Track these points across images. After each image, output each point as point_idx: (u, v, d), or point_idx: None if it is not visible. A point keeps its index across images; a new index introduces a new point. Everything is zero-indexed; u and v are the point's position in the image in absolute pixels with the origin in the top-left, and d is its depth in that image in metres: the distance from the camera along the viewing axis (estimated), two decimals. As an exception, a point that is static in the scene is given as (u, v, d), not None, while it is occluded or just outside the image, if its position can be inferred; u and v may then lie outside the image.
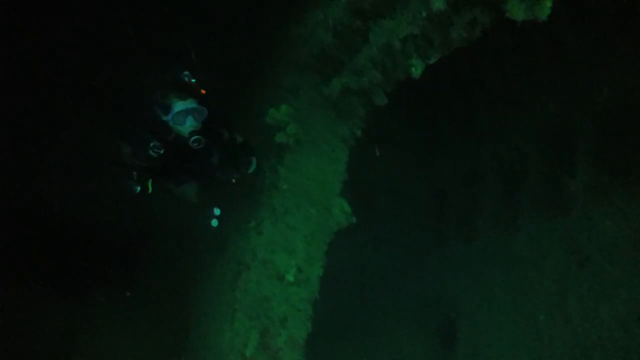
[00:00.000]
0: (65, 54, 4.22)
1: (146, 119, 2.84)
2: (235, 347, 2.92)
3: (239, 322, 2.96)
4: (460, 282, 5.53)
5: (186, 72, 2.94)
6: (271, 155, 3.26)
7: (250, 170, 3.10)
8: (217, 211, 3.05)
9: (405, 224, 6.08)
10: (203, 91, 2.88)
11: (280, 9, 3.45)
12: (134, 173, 2.81)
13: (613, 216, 4.05)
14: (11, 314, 3.96)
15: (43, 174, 4.28)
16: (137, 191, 2.79)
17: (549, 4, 1.60)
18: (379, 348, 5.63)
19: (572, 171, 4.60)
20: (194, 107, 2.74)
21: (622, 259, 3.83)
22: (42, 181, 4.22)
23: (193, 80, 2.91)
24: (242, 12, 4.05)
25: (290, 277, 3.06)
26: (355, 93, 3.04)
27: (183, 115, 2.72)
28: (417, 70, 2.29)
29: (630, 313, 3.64)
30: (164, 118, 2.76)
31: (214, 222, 3.05)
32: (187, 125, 2.76)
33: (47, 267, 4.09)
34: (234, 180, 3.05)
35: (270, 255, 3.08)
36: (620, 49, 3.96)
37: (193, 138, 2.75)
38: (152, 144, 2.73)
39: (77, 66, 4.27)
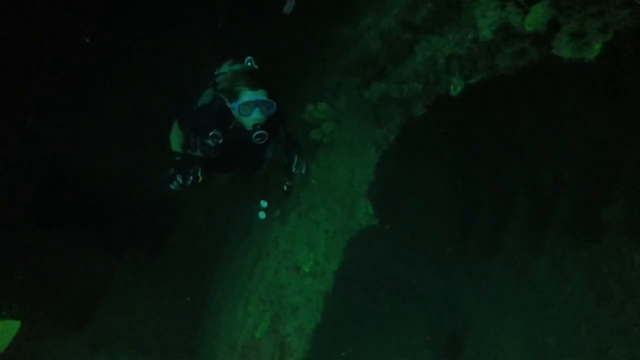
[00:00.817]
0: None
1: (209, 105, 2.64)
2: (246, 327, 3.08)
3: (253, 305, 3.11)
4: (476, 295, 5.52)
5: (249, 57, 2.72)
6: (305, 151, 3.35)
7: (303, 171, 2.90)
8: (264, 203, 2.94)
9: (430, 231, 6.09)
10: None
11: (332, 8, 3.49)
12: (178, 160, 2.67)
13: (642, 254, 3.95)
14: (48, 260, 4.27)
15: (84, 137, 4.51)
16: (190, 182, 2.61)
17: (598, 47, 1.60)
18: (386, 347, 5.72)
19: (608, 201, 4.48)
20: (264, 100, 2.48)
21: (645, 300, 3.74)
22: (82, 145, 4.46)
23: (256, 67, 2.70)
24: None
25: (306, 269, 3.18)
26: (394, 100, 3.07)
27: (250, 107, 2.47)
28: (456, 89, 2.31)
29: (642, 353, 3.59)
30: (229, 105, 2.53)
31: (262, 215, 2.95)
32: (252, 118, 2.52)
33: (86, 226, 4.39)
34: (285, 188, 2.90)
35: (291, 246, 3.20)
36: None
37: (257, 133, 2.52)
38: (211, 133, 2.51)
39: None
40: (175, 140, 2.83)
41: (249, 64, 2.70)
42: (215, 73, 2.84)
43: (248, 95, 2.47)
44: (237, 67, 2.68)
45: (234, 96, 2.50)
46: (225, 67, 2.79)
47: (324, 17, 3.55)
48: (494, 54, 2.05)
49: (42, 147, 4.27)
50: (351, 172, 3.28)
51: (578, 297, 4.30)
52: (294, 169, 2.81)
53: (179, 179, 2.59)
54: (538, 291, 4.78)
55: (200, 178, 2.65)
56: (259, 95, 2.49)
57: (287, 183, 2.90)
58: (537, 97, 4.74)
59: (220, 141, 2.54)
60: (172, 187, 2.63)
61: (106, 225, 4.46)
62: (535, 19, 1.67)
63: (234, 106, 2.50)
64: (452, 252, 6.10)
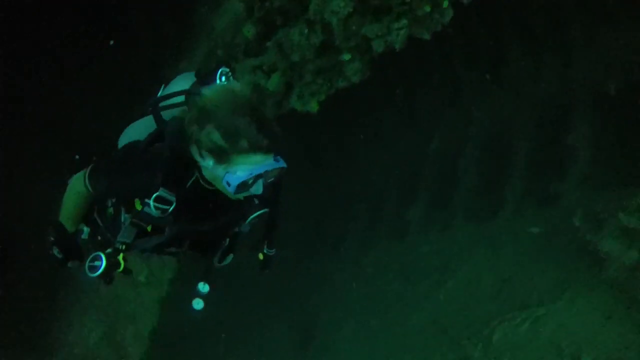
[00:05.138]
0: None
1: (146, 147, 1.60)
2: (82, 337, 3.37)
3: (89, 317, 3.42)
4: (323, 292, 6.38)
5: (225, 69, 1.62)
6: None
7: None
8: (204, 287, 1.85)
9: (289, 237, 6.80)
10: None
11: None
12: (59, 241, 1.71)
13: (429, 244, 5.18)
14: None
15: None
16: (99, 274, 1.55)
17: (315, 105, 2.35)
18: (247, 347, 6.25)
19: (411, 203, 5.72)
20: (275, 168, 1.43)
21: (428, 279, 4.92)
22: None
23: (232, 80, 1.64)
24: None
25: (142, 279, 3.58)
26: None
27: (250, 182, 1.42)
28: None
29: (428, 319, 4.71)
30: (200, 160, 1.44)
31: (198, 304, 1.83)
32: (250, 192, 1.47)
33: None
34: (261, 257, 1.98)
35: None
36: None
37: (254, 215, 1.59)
38: (156, 194, 1.46)
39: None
40: (73, 204, 1.73)
41: (222, 78, 1.60)
42: (160, 93, 1.79)
43: (252, 166, 1.38)
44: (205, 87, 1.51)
45: (221, 159, 1.39)
46: (180, 83, 1.72)
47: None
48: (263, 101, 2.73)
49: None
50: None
51: (390, 284, 5.38)
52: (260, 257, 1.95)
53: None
54: (366, 282, 5.79)
55: (122, 265, 1.61)
56: (267, 161, 1.40)
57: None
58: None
59: (171, 208, 1.49)
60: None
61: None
62: (273, 84, 2.37)
63: (219, 174, 1.42)
64: (305, 256, 6.90)
